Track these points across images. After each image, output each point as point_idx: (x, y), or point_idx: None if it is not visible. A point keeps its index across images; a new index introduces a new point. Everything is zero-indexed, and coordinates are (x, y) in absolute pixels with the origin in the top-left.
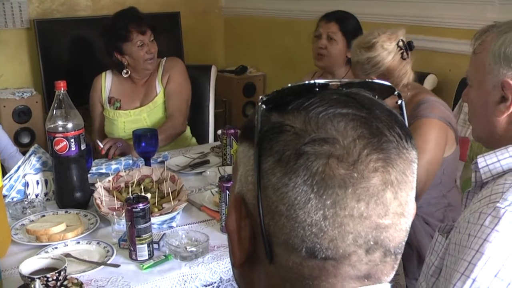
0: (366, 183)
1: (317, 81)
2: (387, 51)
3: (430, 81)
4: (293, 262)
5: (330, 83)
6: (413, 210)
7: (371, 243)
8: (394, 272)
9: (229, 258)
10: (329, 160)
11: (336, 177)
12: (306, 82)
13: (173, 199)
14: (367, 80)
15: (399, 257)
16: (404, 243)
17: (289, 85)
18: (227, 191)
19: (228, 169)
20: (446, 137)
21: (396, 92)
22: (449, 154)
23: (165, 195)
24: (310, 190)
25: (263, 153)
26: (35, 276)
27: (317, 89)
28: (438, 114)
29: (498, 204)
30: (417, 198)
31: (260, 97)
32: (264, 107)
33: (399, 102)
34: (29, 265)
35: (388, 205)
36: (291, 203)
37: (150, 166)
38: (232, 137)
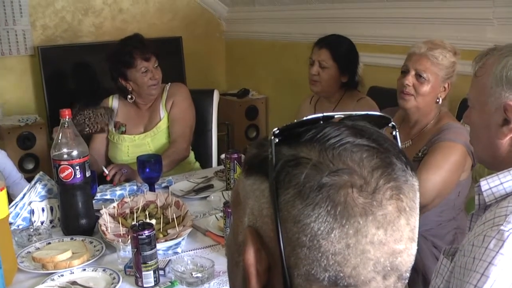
0: (384, 210)
1: (320, 115)
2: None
3: None
4: None
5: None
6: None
7: (388, 268)
8: None
9: None
10: (350, 190)
11: (358, 206)
12: (310, 117)
13: (178, 225)
14: (367, 113)
15: (406, 281)
16: (411, 267)
17: (295, 121)
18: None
19: None
20: (464, 164)
21: (390, 124)
22: (464, 178)
23: (170, 220)
24: (333, 220)
25: (280, 185)
26: None
27: (321, 122)
28: (463, 140)
29: (502, 227)
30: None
31: (273, 131)
32: (277, 140)
33: (394, 133)
34: None
35: (402, 231)
36: (314, 234)
37: (154, 191)
38: (235, 161)
